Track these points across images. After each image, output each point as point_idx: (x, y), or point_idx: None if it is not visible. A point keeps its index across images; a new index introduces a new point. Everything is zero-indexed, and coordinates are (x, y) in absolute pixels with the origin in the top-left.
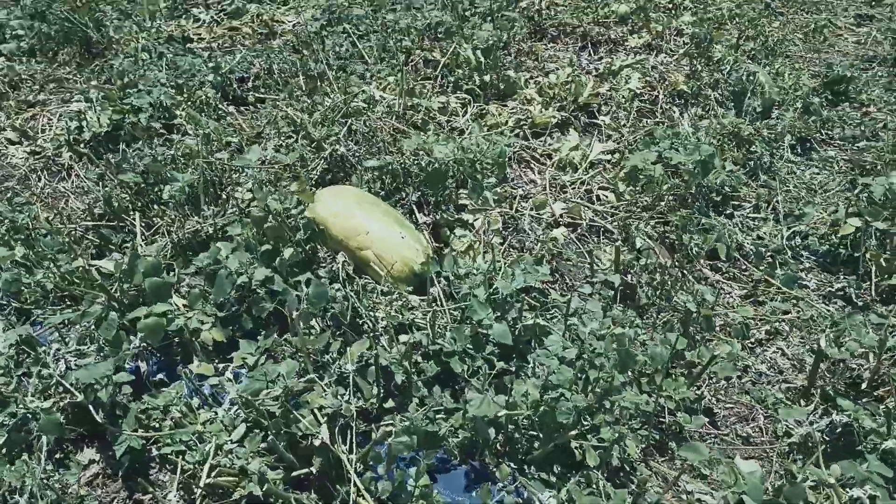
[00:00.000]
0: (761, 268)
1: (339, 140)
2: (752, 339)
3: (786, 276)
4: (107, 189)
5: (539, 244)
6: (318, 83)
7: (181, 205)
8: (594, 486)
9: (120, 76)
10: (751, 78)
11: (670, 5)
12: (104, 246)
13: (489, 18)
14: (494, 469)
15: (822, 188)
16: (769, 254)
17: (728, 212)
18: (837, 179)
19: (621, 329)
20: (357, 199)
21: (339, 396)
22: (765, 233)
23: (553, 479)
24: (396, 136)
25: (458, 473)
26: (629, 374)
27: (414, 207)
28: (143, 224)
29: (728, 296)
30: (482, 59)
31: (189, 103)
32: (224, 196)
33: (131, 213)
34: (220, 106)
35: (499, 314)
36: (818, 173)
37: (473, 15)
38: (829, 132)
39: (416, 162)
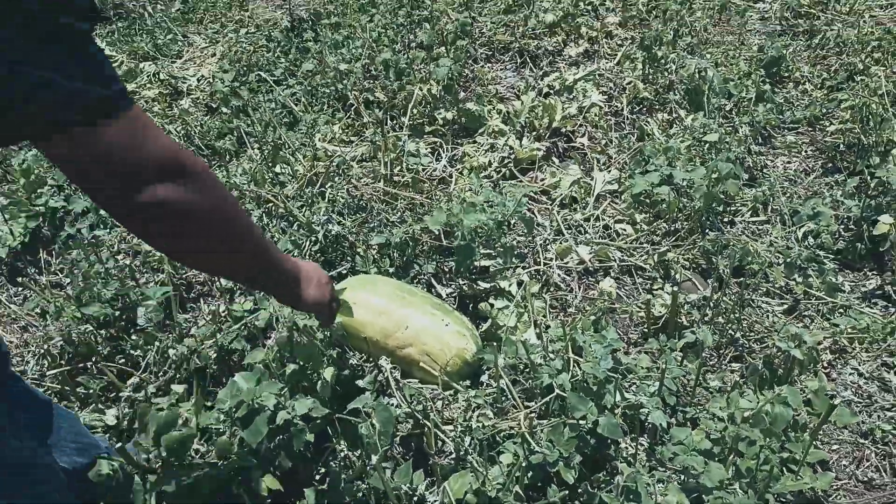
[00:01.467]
0: (795, 279)
1: (331, 218)
2: (824, 363)
3: (828, 285)
4: (65, 325)
5: (590, 303)
6: (277, 150)
7: (159, 326)
8: None
9: (24, 174)
10: (701, 75)
11: (590, 7)
12: (80, 396)
13: (445, 51)
14: None
15: (798, 177)
16: (798, 262)
17: (728, 219)
18: (811, 165)
19: (748, 401)
20: (382, 287)
21: None
22: (776, 237)
23: None
24: (386, 201)
25: None
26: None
27: (432, 280)
28: (123, 360)
29: (770, 315)
30: (440, 96)
31: None
32: (199, 298)
33: (98, 348)
34: None
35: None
36: (789, 161)
37: (416, 47)
38: (780, 116)
39: (423, 229)
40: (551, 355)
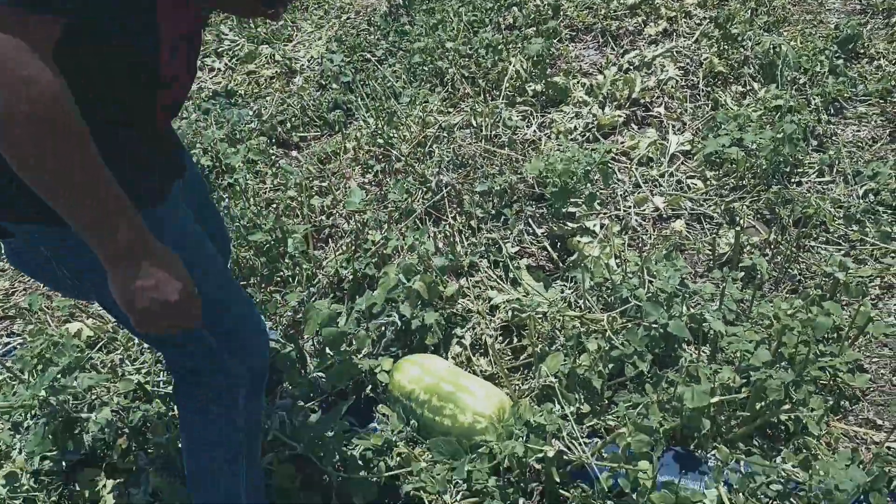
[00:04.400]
0: (852, 228)
1: (442, 169)
2: (872, 296)
3: (881, 233)
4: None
5: (663, 239)
6: (391, 116)
7: (303, 255)
8: (810, 451)
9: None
10: (776, 51)
11: None
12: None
13: (536, 31)
14: (706, 451)
15: (865, 143)
16: (857, 215)
17: (796, 180)
18: (878, 133)
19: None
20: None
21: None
22: (838, 195)
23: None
24: (486, 157)
25: (666, 459)
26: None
27: (530, 221)
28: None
29: (828, 258)
30: (530, 71)
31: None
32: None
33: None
34: (271, 151)
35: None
36: (858, 130)
37: (506, 28)
38: (854, 89)
39: (521, 179)
40: (629, 275)
